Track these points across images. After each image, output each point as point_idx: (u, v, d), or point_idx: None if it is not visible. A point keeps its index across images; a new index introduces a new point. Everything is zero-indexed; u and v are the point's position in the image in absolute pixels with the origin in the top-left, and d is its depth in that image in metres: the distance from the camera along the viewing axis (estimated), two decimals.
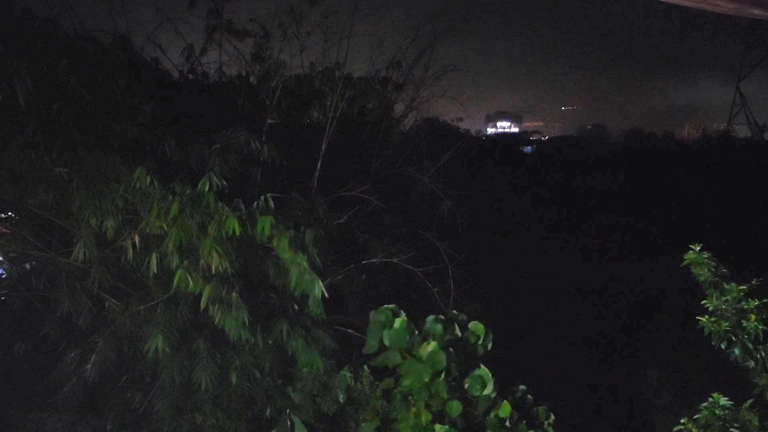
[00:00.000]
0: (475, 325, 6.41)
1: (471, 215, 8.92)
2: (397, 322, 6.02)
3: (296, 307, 6.01)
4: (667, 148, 43.89)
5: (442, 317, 6.27)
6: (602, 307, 13.34)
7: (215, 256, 4.92)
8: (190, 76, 7.97)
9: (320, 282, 5.33)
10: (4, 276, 6.44)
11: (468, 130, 18.23)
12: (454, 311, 6.64)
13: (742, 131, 54.64)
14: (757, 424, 3.73)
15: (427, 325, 6.15)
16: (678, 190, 30.30)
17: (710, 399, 3.91)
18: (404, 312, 6.17)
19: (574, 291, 14.47)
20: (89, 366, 5.35)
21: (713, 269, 3.90)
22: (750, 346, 3.73)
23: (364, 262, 7.25)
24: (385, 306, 6.21)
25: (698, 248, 3.97)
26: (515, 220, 22.26)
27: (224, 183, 5.07)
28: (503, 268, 16.13)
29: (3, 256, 6.24)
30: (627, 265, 17.66)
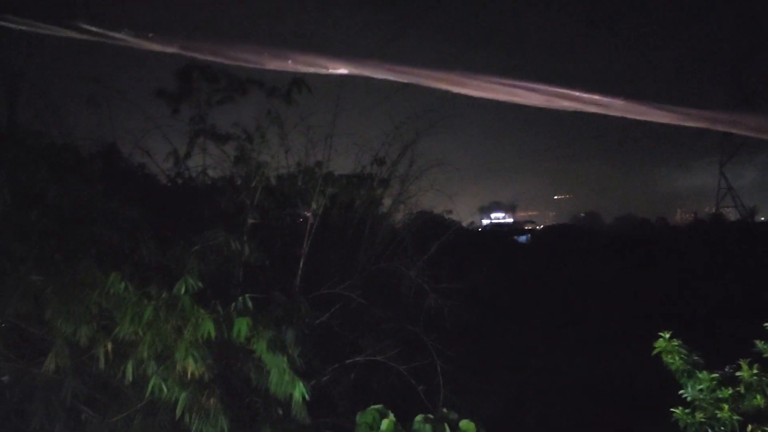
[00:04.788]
0: (466, 424, 6.13)
1: (462, 308, 8.79)
2: (384, 424, 5.77)
3: (280, 411, 5.78)
4: (661, 232, 44.16)
5: (431, 416, 6.03)
6: (599, 399, 12.91)
7: (191, 360, 4.80)
8: (178, 180, 8.11)
9: (301, 383, 5.17)
10: None
11: (459, 222, 18.34)
12: (444, 409, 6.39)
13: (731, 214, 55.04)
14: None
15: (416, 426, 5.90)
16: (675, 273, 30.13)
17: None
18: (392, 412, 5.95)
19: (571, 383, 14.05)
20: None
21: (684, 356, 3.74)
22: None
23: (348, 361, 7.07)
24: (372, 407, 5.98)
25: (668, 335, 3.83)
26: (509, 311, 21.92)
27: (200, 285, 5.01)
28: (496, 362, 15.70)
29: None
30: (625, 353, 17.23)
